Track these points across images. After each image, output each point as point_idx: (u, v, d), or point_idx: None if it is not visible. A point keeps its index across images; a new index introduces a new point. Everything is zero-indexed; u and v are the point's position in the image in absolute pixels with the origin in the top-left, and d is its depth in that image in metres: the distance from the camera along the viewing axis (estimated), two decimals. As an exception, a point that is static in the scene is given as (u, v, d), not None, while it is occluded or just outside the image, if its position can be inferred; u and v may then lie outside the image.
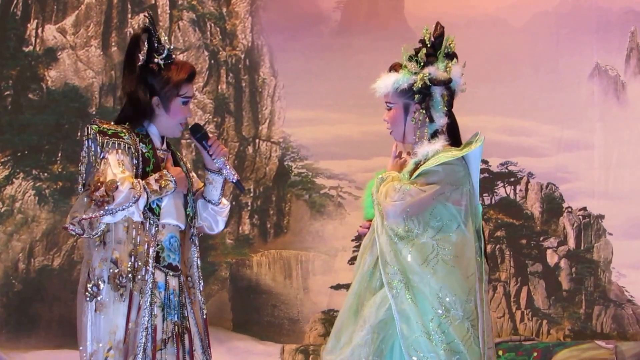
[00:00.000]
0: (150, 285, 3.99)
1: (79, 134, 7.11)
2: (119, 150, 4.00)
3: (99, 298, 3.98)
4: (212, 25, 7.52)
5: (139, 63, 4.09)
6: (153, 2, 7.46)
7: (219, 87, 7.45)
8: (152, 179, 4.01)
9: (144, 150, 4.06)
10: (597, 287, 7.03)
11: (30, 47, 7.38)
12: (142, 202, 3.95)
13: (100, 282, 3.99)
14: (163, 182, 4.02)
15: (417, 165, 3.91)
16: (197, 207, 4.28)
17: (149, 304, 3.97)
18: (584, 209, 7.12)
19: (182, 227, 4.14)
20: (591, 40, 7.22)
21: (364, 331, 3.83)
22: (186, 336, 4.11)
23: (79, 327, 4.02)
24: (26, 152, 7.28)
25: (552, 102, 7.11)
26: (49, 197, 7.13)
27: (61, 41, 7.43)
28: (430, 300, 3.79)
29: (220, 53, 7.49)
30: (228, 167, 4.23)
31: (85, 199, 3.95)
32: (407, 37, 7.42)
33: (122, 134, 4.03)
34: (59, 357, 6.82)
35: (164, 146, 4.18)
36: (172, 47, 4.16)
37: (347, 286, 7.22)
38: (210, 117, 7.43)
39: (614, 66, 7.28)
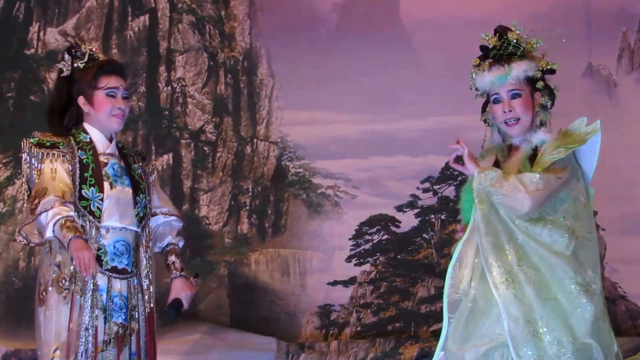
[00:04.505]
0: (91, 287, 4.05)
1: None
2: (53, 160, 4.11)
3: (46, 302, 4.09)
4: (211, 27, 7.58)
5: (62, 74, 4.25)
6: (153, 5, 7.55)
7: (218, 88, 7.51)
8: (70, 221, 3.98)
9: (83, 157, 4.14)
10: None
11: (32, 50, 7.43)
12: (51, 213, 3.94)
13: (48, 287, 4.09)
14: (69, 227, 3.97)
15: (536, 151, 3.95)
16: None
17: (89, 305, 4.04)
18: (578, 205, 7.17)
19: (136, 229, 4.19)
20: (584, 40, 7.29)
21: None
22: (133, 338, 4.17)
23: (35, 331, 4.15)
24: (27, 153, 7.34)
25: (546, 101, 7.19)
26: (49, 198, 7.17)
27: (63, 44, 7.45)
28: (567, 278, 3.78)
29: (219, 55, 7.54)
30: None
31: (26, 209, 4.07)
32: (402, 39, 7.55)
33: (60, 144, 4.16)
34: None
35: (110, 150, 4.24)
36: (92, 49, 4.27)
37: (343, 282, 7.35)
38: (209, 117, 7.48)
39: (606, 65, 7.35)
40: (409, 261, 7.31)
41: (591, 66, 7.33)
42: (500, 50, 4.05)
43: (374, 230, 7.32)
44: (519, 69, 3.99)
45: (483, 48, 4.14)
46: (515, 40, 4.05)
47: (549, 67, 4.10)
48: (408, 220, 7.31)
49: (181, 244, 4.43)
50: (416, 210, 7.35)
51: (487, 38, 4.12)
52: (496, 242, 3.84)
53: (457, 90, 7.30)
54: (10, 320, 7.07)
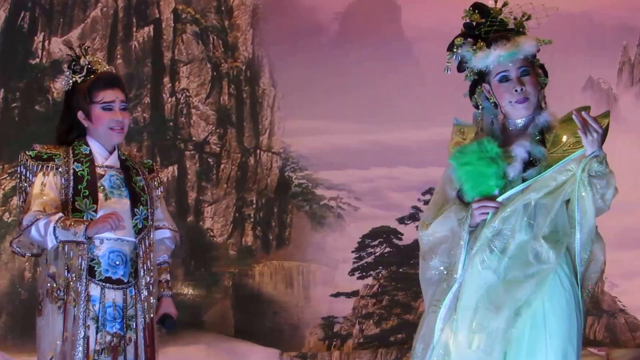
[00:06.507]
0: (84, 297, 4.09)
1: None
2: (45, 172, 4.14)
3: (43, 312, 4.15)
4: (215, 37, 7.60)
5: (65, 89, 4.30)
6: (157, 16, 7.57)
7: (221, 99, 7.53)
8: (66, 219, 4.04)
9: (78, 169, 4.16)
10: (590, 297, 7.14)
11: (37, 60, 7.43)
12: (42, 224, 3.99)
13: (44, 298, 4.15)
14: (74, 221, 4.04)
15: (542, 132, 3.76)
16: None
17: (83, 315, 4.09)
18: (577, 218, 7.22)
19: (133, 239, 4.21)
20: (584, 54, 7.33)
21: None
22: (131, 347, 4.20)
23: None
24: (33, 163, 7.35)
25: (546, 114, 7.23)
26: (55, 208, 7.19)
27: (67, 54, 7.48)
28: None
29: (222, 65, 7.56)
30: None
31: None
32: (404, 48, 7.58)
33: (56, 156, 4.18)
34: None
35: (110, 162, 4.27)
36: (89, 61, 4.30)
37: (346, 294, 7.39)
38: (213, 128, 7.51)
39: (607, 79, 7.40)
40: (411, 274, 7.34)
41: (591, 79, 7.37)
42: (495, 26, 3.79)
43: (376, 242, 7.36)
44: (527, 45, 3.75)
45: (468, 26, 3.87)
46: (500, 18, 3.79)
47: (543, 43, 3.84)
48: (410, 233, 7.33)
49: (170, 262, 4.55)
50: (418, 222, 7.37)
51: (469, 14, 3.86)
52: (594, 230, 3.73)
53: (459, 100, 7.42)
54: (16, 331, 7.11)
